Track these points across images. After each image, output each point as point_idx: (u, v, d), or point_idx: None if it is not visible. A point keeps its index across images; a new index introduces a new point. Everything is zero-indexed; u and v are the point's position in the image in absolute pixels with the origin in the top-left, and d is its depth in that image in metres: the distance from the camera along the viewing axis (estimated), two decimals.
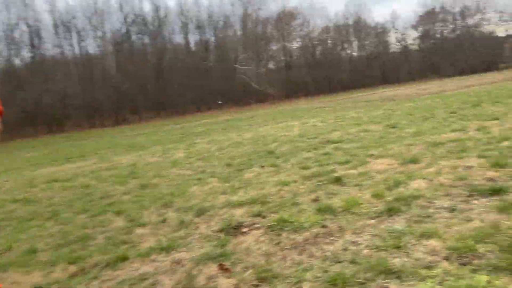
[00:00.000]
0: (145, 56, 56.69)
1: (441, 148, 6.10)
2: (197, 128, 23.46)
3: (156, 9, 56.44)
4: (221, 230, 3.72)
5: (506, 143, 5.70)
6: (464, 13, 79.53)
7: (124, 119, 51.60)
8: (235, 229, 3.67)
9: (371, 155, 6.37)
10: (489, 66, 75.25)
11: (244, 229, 3.61)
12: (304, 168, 6.16)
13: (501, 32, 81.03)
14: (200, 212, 4.38)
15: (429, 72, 79.45)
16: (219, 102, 60.69)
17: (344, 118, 15.22)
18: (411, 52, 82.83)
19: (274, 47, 70.78)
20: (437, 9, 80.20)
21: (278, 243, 3.17)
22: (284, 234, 3.32)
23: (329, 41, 78.36)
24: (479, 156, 5.10)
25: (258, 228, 3.54)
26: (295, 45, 75.41)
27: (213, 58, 63.16)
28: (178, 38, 64.11)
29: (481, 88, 22.86)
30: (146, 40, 57.95)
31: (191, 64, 57.78)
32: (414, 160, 5.43)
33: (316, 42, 75.99)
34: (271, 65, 72.70)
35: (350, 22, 78.13)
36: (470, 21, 79.83)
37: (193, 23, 61.59)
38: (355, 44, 79.76)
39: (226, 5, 63.55)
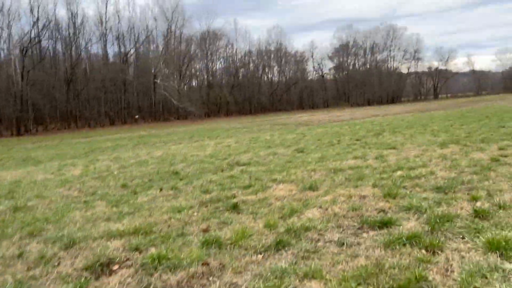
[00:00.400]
0: (56, 64, 52.58)
1: (341, 175, 6.14)
2: (106, 143, 21.93)
3: (72, 15, 52.96)
4: (86, 268, 3.13)
5: (399, 173, 5.90)
6: (373, 49, 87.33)
7: (27, 129, 46.88)
8: (103, 266, 3.11)
9: (274, 180, 6.20)
10: (393, 98, 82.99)
11: (114, 267, 3.07)
12: (205, 191, 5.76)
13: (404, 69, 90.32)
14: (70, 244, 3.73)
15: (342, 101, 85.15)
16: (136, 116, 58.28)
17: (258, 140, 15.23)
18: (327, 81, 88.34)
19: (197, 66, 70.35)
20: (351, 43, 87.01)
21: (146, 287, 2.70)
22: (157, 274, 2.86)
23: (251, 64, 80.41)
24: (374, 185, 5.16)
25: (129, 266, 3.03)
26: (218, 65, 76.09)
27: (133, 71, 60.83)
28: (95, 48, 60.83)
29: (384, 118, 24.70)
30: (59, 47, 53.93)
31: (108, 76, 54.87)
32: (313, 187, 5.34)
33: (238, 64, 77.41)
34: (193, 83, 72.17)
35: (272, 48, 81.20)
36: (379, 57, 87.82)
37: (113, 34, 58.91)
38: (275, 69, 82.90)
39: (149, 19, 61.65)
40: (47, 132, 46.76)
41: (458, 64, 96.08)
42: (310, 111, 69.44)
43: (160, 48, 61.84)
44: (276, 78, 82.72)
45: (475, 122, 16.01)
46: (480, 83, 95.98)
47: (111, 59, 59.98)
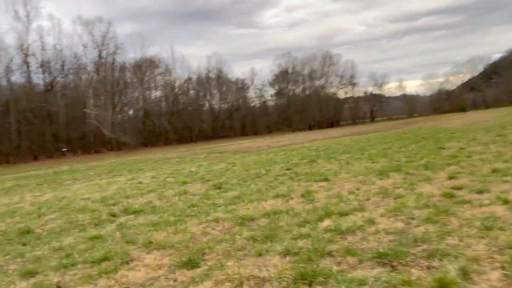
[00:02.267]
0: None
1: (247, 230, 4.28)
2: (6, 183, 18.59)
3: None
4: None
5: (326, 223, 4.15)
6: (312, 76, 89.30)
7: None
8: None
9: (149, 244, 4.18)
10: (333, 122, 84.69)
11: None
12: (28, 273, 3.60)
13: (341, 94, 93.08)
14: None
15: (284, 126, 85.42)
16: (64, 149, 53.57)
17: (179, 172, 13.14)
18: (268, 107, 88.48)
19: (132, 94, 66.98)
20: (290, 70, 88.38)
21: None
22: None
23: (191, 92, 78.41)
24: (285, 253, 3.33)
25: None
26: (156, 93, 73.16)
27: (60, 101, 56.23)
28: (16, 77, 55.64)
29: (323, 143, 23.68)
30: None
31: (31, 106, 50.11)
32: (194, 260, 3.40)
33: (178, 92, 75.02)
34: (128, 113, 68.50)
35: (212, 75, 80.00)
36: (317, 83, 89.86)
37: (37, 61, 54.33)
38: (217, 96, 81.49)
39: (78, 46, 57.80)
40: None
41: (392, 88, 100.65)
42: (253, 137, 68.48)
43: (91, 76, 57.98)
44: (217, 105, 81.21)
45: (413, 143, 15.14)
46: (411, 106, 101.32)
47: (34, 88, 55.06)
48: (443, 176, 6.51)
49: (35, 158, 49.96)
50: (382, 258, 2.96)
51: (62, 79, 57.01)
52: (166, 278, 3.06)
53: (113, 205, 7.23)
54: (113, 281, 3.10)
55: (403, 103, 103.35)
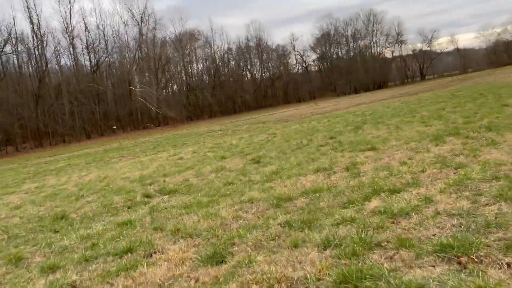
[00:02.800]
0: (21, 79, 49.53)
1: (282, 213, 3.79)
2: (58, 163, 19.38)
3: (35, 26, 49.92)
4: None
5: (374, 203, 3.55)
6: (355, 36, 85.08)
7: None
8: None
9: (176, 232, 3.82)
10: (380, 84, 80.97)
11: None
12: (49, 268, 3.37)
13: (388, 54, 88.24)
14: None
15: (328, 91, 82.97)
16: (114, 127, 55.58)
17: (220, 146, 12.87)
18: (311, 72, 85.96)
19: (174, 69, 67.47)
20: (332, 32, 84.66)
21: None
22: None
23: (231, 62, 77.76)
24: (325, 244, 2.81)
25: None
26: (197, 66, 73.29)
27: (106, 80, 57.96)
28: (64, 60, 57.83)
29: (369, 106, 22.44)
30: (23, 61, 50.79)
31: (80, 88, 52.05)
32: (221, 254, 2.97)
33: (218, 63, 74.63)
34: (172, 87, 69.45)
35: (252, 43, 78.56)
36: (362, 43, 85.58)
37: (81, 43, 55.89)
38: (257, 65, 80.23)
39: (119, 24, 58.68)
40: (17, 153, 43.93)
41: (442, 43, 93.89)
42: (296, 104, 67.30)
43: (133, 53, 58.89)
44: (259, 74, 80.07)
45: (470, 102, 13.78)
46: (465, 61, 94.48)
47: (82, 70, 56.99)
48: (511, 138, 5.62)
49: (88, 137, 52.29)
50: (446, 252, 2.36)
51: (107, 59, 58.36)
52: (188, 277, 2.67)
53: (150, 184, 7.03)
54: (130, 281, 2.76)
55: (455, 59, 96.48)
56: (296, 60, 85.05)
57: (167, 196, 5.86)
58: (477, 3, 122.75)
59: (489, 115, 8.80)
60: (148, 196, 5.95)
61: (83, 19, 53.63)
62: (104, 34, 56.25)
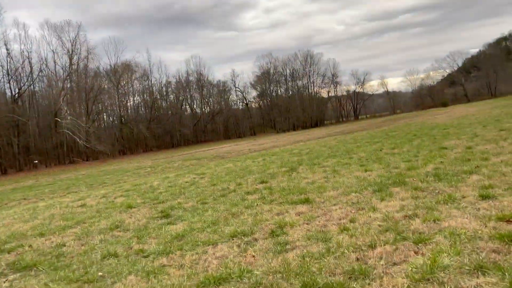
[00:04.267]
0: None
1: None
2: None
3: None
4: None
5: None
6: (294, 76, 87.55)
7: None
8: None
9: None
10: (317, 122, 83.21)
11: None
12: None
13: (324, 94, 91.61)
14: None
15: (268, 127, 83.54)
16: (35, 161, 50.53)
17: (138, 189, 11.01)
18: (251, 108, 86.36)
19: (108, 101, 63.96)
20: (272, 71, 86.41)
21: None
22: None
23: (170, 96, 75.76)
24: None
25: None
26: (133, 99, 70.30)
27: (29, 111, 53.09)
28: None
29: (306, 144, 21.77)
30: None
31: None
32: None
33: (156, 97, 72.23)
34: (104, 120, 65.60)
35: (192, 78, 77.50)
36: (300, 83, 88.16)
37: (3, 69, 51.13)
38: (198, 100, 78.96)
39: (46, 52, 54.83)
40: None
41: (374, 85, 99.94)
42: (236, 140, 66.52)
43: (61, 83, 54.95)
44: (199, 109, 78.66)
45: (406, 143, 13.33)
46: (394, 103, 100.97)
47: (2, 98, 51.83)
48: (470, 192, 4.60)
49: (4, 172, 46.87)
50: None
51: (31, 87, 53.85)
52: None
53: (8, 252, 5.10)
54: None
55: (386, 100, 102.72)
56: (237, 96, 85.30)
57: (18, 274, 4.04)
58: (403, 51, 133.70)
59: (432, 159, 8.01)
60: None
61: (5, 44, 49.32)
62: (29, 61, 52.10)
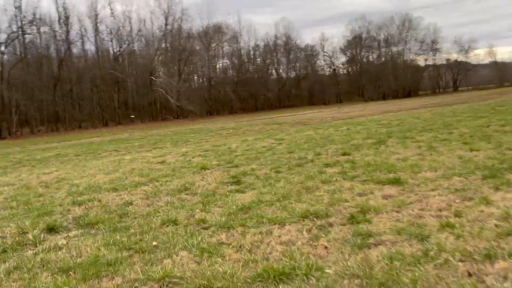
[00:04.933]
0: (40, 62, 48.89)
1: None
2: (50, 152, 17.88)
3: (60, 9, 49.29)
4: None
5: None
6: (388, 41, 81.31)
7: (10, 132, 43.63)
8: None
9: None
10: (410, 92, 77.21)
11: None
12: None
13: (421, 61, 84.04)
14: None
15: (355, 95, 79.73)
16: (132, 116, 54.54)
17: (216, 150, 10.88)
18: (339, 75, 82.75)
19: (198, 62, 65.90)
20: (364, 35, 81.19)
21: None
22: None
23: (258, 59, 75.50)
24: None
25: None
26: (222, 61, 71.51)
27: (128, 68, 56.93)
28: (87, 45, 57.02)
29: (397, 115, 20.02)
30: (44, 43, 50.12)
31: (100, 74, 51.17)
32: None
33: (244, 59, 72.63)
34: (194, 81, 68.02)
35: (280, 41, 76.07)
36: (394, 49, 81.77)
37: (107, 29, 55.04)
38: (284, 64, 77.71)
39: (144, 13, 57.68)
40: (29, 136, 43.38)
41: (480, 55, 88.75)
42: (320, 107, 64.81)
43: (157, 43, 57.66)
44: (285, 73, 77.47)
45: None
46: (502, 74, 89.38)
47: (105, 55, 56.21)
48: None
49: (105, 124, 51.42)
50: None
51: (130, 47, 57.36)
52: None
53: (80, 204, 5.11)
54: None
55: (492, 71, 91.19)
56: (324, 61, 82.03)
57: (80, 231, 3.93)
58: None
59: None
60: (53, 228, 4.01)
61: (109, 4, 52.71)
62: (129, 21, 55.25)
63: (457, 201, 3.70)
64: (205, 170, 7.25)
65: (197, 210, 4.28)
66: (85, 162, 11.98)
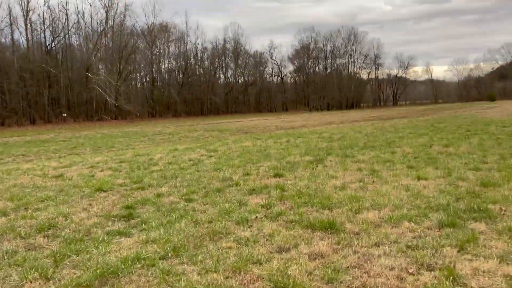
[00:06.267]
0: None
1: None
2: None
3: None
4: None
5: None
6: (334, 53, 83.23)
7: None
8: None
9: None
10: (353, 104, 79.40)
11: None
12: None
13: (364, 75, 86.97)
14: None
15: (301, 104, 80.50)
16: (64, 114, 50.44)
17: (134, 161, 9.24)
18: (286, 83, 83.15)
19: (141, 61, 62.76)
20: (311, 46, 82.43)
21: None
22: None
23: (205, 62, 73.62)
24: None
25: None
26: (168, 62, 68.80)
27: (62, 63, 52.66)
28: (16, 34, 52.08)
29: (339, 128, 19.44)
30: None
31: (29, 67, 46.74)
32: None
33: (191, 61, 70.41)
34: (136, 81, 64.70)
35: (229, 46, 74.90)
36: (339, 61, 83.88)
37: (40, 19, 50.59)
38: (232, 69, 76.55)
39: (84, 5, 53.90)
40: None
41: (417, 72, 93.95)
42: (266, 114, 64.41)
43: (96, 38, 54.00)
44: (232, 78, 76.29)
45: (461, 139, 10.88)
46: (437, 91, 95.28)
47: (35, 47, 51.59)
48: None
49: (32, 122, 47.02)
50: None
51: (65, 39, 53.21)
52: None
53: None
54: None
55: (428, 88, 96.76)
56: (272, 69, 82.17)
57: None
58: (452, 39, 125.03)
59: None
60: None
61: None
62: (66, 13, 51.27)
63: (411, 270, 2.56)
64: (99, 193, 5.70)
65: (35, 274, 2.79)
66: None
